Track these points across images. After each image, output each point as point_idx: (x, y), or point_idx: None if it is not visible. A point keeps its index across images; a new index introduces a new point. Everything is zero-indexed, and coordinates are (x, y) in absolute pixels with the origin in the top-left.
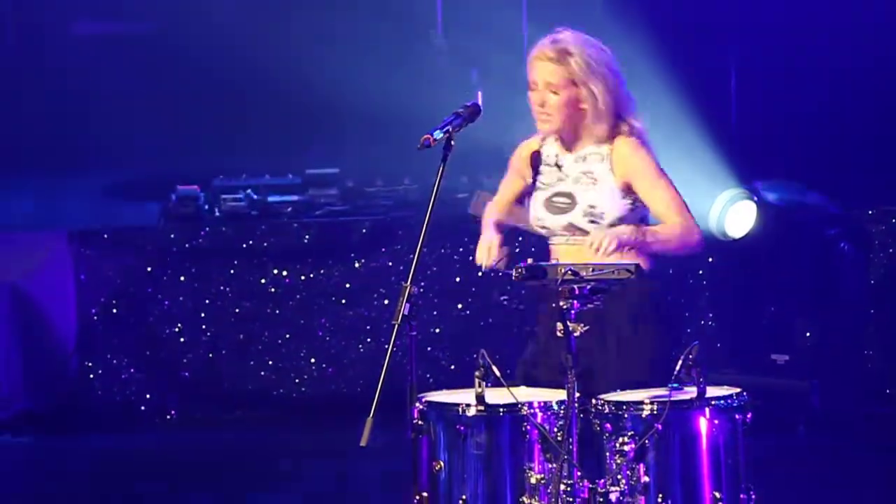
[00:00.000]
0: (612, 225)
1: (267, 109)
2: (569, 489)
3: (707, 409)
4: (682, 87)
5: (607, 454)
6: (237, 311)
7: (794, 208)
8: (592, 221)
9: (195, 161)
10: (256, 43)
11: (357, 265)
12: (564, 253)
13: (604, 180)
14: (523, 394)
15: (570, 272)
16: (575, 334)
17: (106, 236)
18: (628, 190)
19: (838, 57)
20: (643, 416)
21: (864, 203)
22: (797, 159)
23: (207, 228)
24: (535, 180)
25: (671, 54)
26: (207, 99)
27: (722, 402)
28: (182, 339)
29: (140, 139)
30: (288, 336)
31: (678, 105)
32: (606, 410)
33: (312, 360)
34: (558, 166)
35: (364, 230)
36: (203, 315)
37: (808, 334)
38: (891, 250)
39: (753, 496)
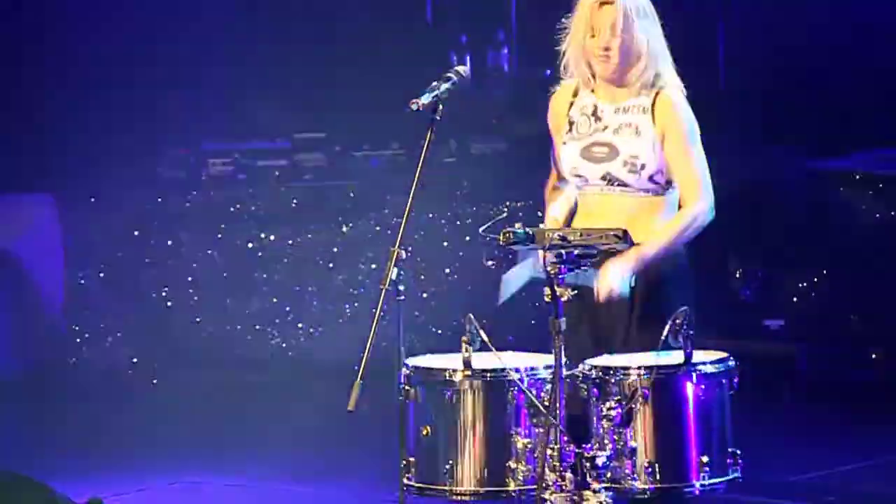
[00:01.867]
0: (652, 176)
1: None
2: (555, 454)
3: (694, 374)
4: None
5: (594, 419)
6: (224, 275)
7: (783, 174)
8: (632, 171)
9: (184, 124)
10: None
11: (344, 229)
12: (596, 203)
13: (646, 132)
14: (510, 358)
15: (557, 237)
16: (563, 299)
17: (93, 200)
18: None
19: (829, 20)
20: (630, 380)
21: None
22: (782, 120)
23: (195, 192)
24: (570, 129)
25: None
26: (196, 61)
27: (708, 366)
28: (169, 304)
29: (128, 101)
30: (275, 300)
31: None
32: (593, 375)
33: (300, 325)
34: (597, 117)
35: (352, 194)
36: (190, 279)
37: (794, 299)
38: (877, 215)
39: (740, 461)
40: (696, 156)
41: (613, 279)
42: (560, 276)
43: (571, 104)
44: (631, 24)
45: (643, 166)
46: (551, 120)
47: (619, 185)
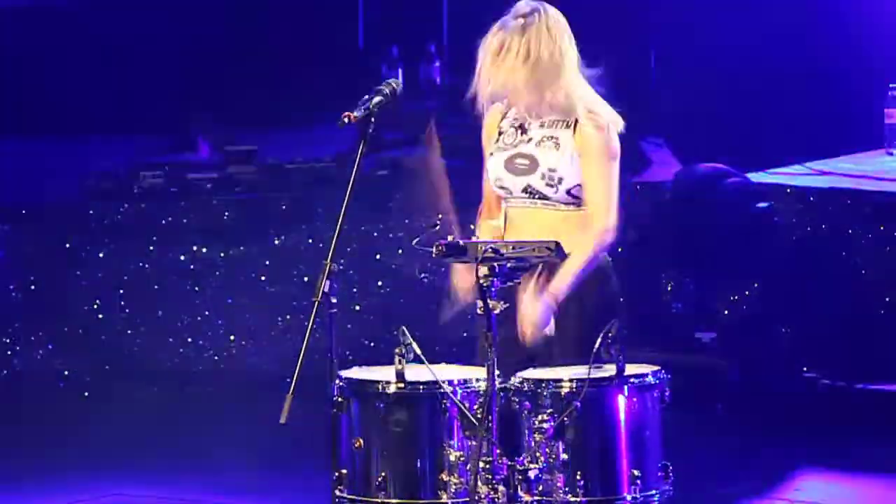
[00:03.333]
0: (570, 190)
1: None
2: (488, 466)
3: (626, 387)
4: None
5: (526, 432)
6: (156, 287)
7: (714, 189)
8: (550, 185)
9: (116, 136)
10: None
11: (276, 242)
12: (520, 216)
13: (566, 146)
14: (444, 371)
15: (490, 250)
16: (495, 312)
17: (24, 212)
18: None
19: (753, 32)
20: (562, 393)
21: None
22: (712, 136)
23: (126, 205)
24: (498, 140)
25: (590, 36)
26: (134, 71)
27: (640, 379)
28: (100, 316)
29: (59, 112)
30: (207, 313)
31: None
32: (525, 388)
33: (231, 338)
34: (523, 129)
35: (284, 207)
36: (122, 292)
37: (726, 312)
38: (808, 228)
39: (671, 474)
40: (608, 177)
41: (534, 324)
42: (492, 289)
43: (504, 116)
44: (542, 52)
45: (560, 180)
46: (484, 131)
47: (540, 198)
